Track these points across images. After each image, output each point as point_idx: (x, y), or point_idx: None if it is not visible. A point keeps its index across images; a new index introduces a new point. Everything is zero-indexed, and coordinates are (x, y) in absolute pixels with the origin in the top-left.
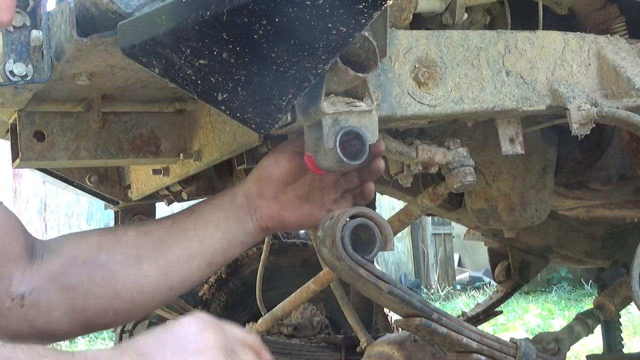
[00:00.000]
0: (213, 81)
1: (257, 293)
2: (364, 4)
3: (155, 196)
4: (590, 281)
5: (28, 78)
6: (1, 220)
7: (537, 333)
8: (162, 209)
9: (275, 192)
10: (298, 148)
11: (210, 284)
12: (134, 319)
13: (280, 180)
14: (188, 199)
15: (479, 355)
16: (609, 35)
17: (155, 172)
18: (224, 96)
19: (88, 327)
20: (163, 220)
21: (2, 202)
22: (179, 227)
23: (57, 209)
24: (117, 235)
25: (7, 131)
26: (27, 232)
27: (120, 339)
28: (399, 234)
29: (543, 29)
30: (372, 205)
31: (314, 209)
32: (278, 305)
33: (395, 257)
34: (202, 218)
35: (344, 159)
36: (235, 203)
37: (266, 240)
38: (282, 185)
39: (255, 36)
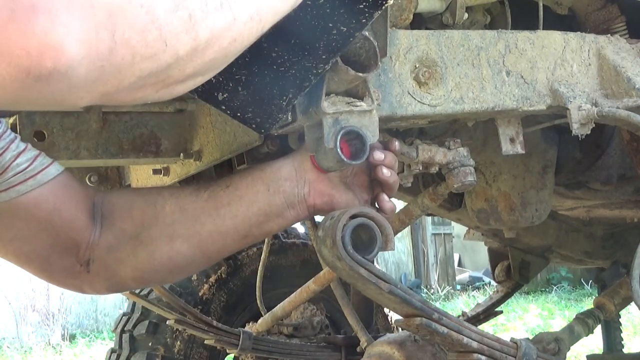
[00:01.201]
0: (213, 81)
1: (257, 293)
2: (364, 3)
3: None
4: (590, 281)
5: None
6: (68, 192)
7: (537, 333)
8: None
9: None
10: None
11: (210, 284)
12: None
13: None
14: None
15: (479, 355)
16: (609, 35)
17: (156, 172)
18: (224, 96)
19: (144, 285)
20: (201, 192)
21: (64, 169)
22: (213, 203)
23: None
24: (156, 210)
25: None
26: (87, 196)
27: (120, 338)
28: (399, 234)
29: (543, 29)
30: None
31: (355, 196)
32: (278, 305)
33: (395, 257)
34: (238, 192)
35: (345, 159)
36: (279, 175)
37: (266, 240)
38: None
39: None
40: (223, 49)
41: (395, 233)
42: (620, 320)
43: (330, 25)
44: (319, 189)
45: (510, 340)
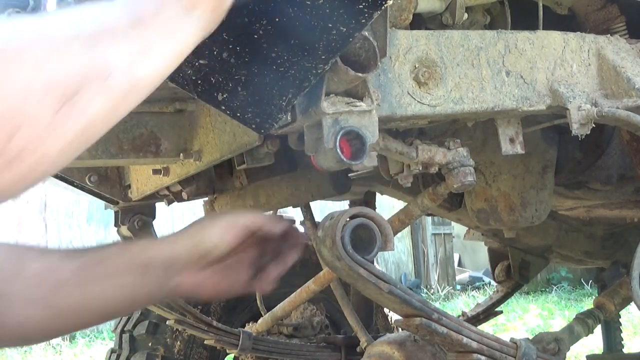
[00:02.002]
0: (213, 81)
1: (257, 293)
2: (364, 4)
3: (155, 196)
4: (590, 281)
5: None
6: None
7: (537, 333)
8: (162, 209)
9: (206, 265)
10: (249, 222)
11: None
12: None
13: (220, 256)
14: (188, 199)
15: (479, 355)
16: (609, 35)
17: (155, 172)
18: (224, 96)
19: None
20: (74, 260)
21: None
22: (82, 277)
23: (57, 209)
24: (18, 266)
25: None
26: None
27: (120, 338)
28: (399, 234)
29: (543, 29)
30: (372, 205)
31: (233, 280)
32: (278, 305)
33: (395, 257)
34: (109, 271)
35: (344, 159)
36: (147, 270)
37: None
38: (218, 260)
39: (255, 36)
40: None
41: (395, 233)
42: (620, 320)
43: (330, 25)
44: (188, 287)
45: (510, 340)
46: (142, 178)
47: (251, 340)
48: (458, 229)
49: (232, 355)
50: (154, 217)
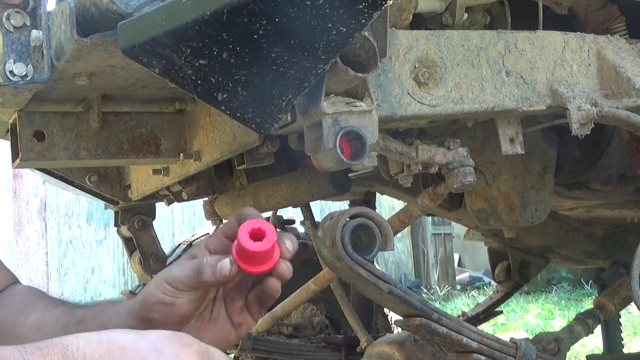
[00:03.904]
0: (213, 81)
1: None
2: (364, 4)
3: (155, 196)
4: (590, 281)
5: (28, 78)
6: None
7: (537, 333)
8: (162, 209)
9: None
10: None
11: None
12: None
13: (178, 313)
14: (188, 199)
15: (479, 355)
16: (609, 35)
17: (155, 172)
18: (224, 96)
19: None
20: (62, 316)
21: None
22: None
23: (57, 209)
24: (22, 314)
25: (7, 131)
26: None
27: None
28: (399, 234)
29: (543, 29)
30: (372, 205)
31: (218, 333)
32: (278, 305)
33: (395, 257)
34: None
35: (344, 159)
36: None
37: None
38: (182, 317)
39: (255, 36)
40: None
41: (395, 233)
42: (620, 320)
43: (330, 25)
44: None
45: (510, 341)
46: (142, 178)
47: (251, 340)
48: (458, 229)
49: (232, 355)
50: (154, 217)
